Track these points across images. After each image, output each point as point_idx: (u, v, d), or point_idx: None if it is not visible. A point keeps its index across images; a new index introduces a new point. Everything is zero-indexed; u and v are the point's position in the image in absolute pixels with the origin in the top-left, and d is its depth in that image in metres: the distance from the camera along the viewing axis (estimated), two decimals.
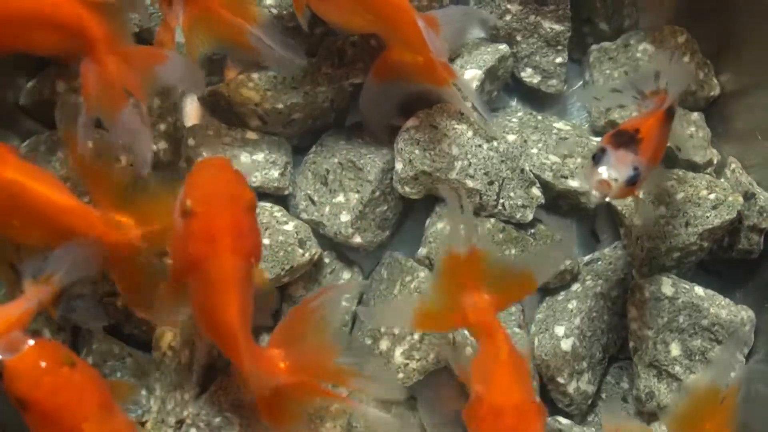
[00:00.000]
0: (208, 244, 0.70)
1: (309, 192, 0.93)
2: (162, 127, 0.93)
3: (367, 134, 0.94)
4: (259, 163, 0.93)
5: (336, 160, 0.93)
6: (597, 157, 0.74)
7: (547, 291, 0.95)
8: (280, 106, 0.93)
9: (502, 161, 0.90)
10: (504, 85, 0.99)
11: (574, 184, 0.93)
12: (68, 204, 0.77)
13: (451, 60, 0.94)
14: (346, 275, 0.94)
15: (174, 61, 0.82)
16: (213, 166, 0.74)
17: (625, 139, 0.75)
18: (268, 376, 0.74)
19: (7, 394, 0.72)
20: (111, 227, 0.77)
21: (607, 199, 0.77)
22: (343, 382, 0.79)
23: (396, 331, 0.88)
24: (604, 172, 0.73)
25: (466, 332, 0.86)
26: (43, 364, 0.71)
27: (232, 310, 0.70)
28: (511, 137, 0.93)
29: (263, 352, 0.76)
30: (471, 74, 0.93)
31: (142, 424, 0.87)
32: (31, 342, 0.72)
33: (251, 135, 0.95)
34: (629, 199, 0.91)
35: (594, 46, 1.01)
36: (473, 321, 0.76)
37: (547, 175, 0.93)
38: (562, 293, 0.93)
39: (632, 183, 0.74)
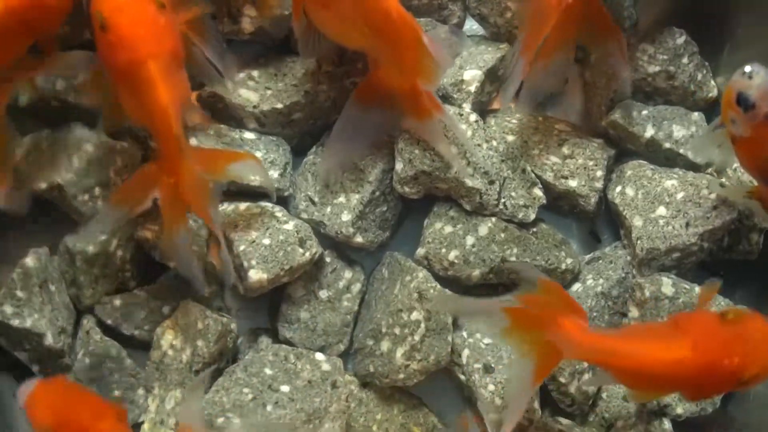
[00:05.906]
0: (126, 52, 0.74)
1: (309, 193, 0.93)
2: None
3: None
4: None
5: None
6: None
7: None
8: (280, 105, 0.93)
9: (503, 161, 0.90)
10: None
11: (573, 184, 0.93)
12: None
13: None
14: (347, 274, 0.94)
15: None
16: None
17: None
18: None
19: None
20: None
21: (737, 84, 0.77)
22: None
23: (397, 331, 0.88)
24: (759, 69, 0.75)
25: None
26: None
27: (163, 105, 0.75)
28: (510, 138, 0.93)
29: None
30: (471, 75, 0.93)
31: (139, 425, 0.87)
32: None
33: (250, 135, 0.94)
34: (637, 196, 0.92)
35: None
36: None
37: (548, 176, 0.93)
38: None
39: (746, 106, 0.75)
